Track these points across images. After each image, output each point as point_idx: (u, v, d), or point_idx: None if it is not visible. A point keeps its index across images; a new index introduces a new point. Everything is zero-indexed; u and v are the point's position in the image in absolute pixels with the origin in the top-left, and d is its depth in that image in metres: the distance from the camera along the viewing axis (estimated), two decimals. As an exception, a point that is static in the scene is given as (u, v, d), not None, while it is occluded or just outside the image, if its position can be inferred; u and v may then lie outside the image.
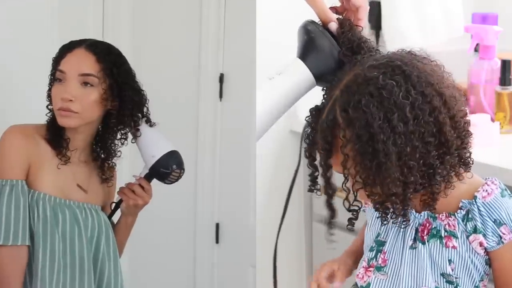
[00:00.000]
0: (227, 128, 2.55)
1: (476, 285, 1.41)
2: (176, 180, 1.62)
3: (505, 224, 1.37)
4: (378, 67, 1.31)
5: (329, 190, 1.38)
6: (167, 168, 1.60)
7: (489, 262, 1.41)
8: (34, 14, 2.15)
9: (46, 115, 1.64)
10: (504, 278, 1.41)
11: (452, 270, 1.39)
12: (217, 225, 2.60)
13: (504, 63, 2.15)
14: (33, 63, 2.13)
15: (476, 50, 2.25)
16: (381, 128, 1.27)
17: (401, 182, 1.29)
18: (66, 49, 1.62)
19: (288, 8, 2.34)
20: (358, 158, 1.29)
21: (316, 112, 1.40)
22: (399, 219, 1.35)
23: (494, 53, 2.21)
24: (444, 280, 1.39)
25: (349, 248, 1.62)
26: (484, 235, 1.37)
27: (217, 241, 2.60)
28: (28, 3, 2.13)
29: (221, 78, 2.54)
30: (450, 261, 1.39)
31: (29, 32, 2.12)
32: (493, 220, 1.37)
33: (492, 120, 2.14)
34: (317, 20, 1.45)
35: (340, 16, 1.45)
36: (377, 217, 1.41)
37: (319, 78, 1.43)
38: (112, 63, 1.60)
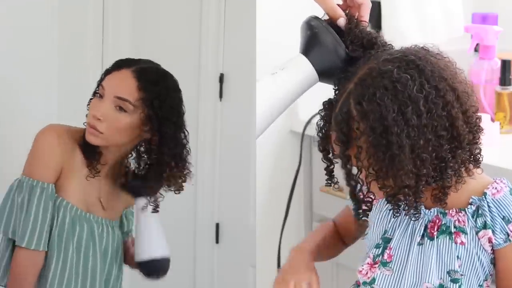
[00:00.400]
0: (227, 128, 2.55)
1: (480, 284, 1.41)
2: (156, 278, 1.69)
3: None
4: (393, 61, 1.33)
5: (352, 181, 1.37)
6: (149, 274, 1.67)
7: (494, 262, 1.42)
8: (34, 14, 2.15)
9: (83, 124, 1.58)
10: (508, 279, 1.41)
11: (459, 266, 1.39)
12: (217, 225, 2.60)
13: (504, 63, 2.15)
14: (33, 63, 2.13)
15: (476, 50, 2.25)
16: (395, 121, 1.28)
17: (414, 174, 1.30)
18: (116, 66, 1.57)
19: (288, 8, 2.35)
20: (371, 150, 1.30)
21: (329, 105, 1.41)
22: (411, 211, 1.36)
23: (494, 53, 2.21)
24: (449, 278, 1.39)
25: (308, 247, 1.57)
26: (493, 232, 1.38)
27: (217, 241, 2.60)
28: (28, 3, 2.13)
29: (221, 78, 2.54)
30: (458, 257, 1.39)
31: (29, 32, 2.13)
32: (502, 217, 1.38)
33: (492, 120, 2.14)
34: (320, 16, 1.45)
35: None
36: (389, 209, 1.41)
37: (322, 74, 1.43)
38: (155, 94, 1.53)
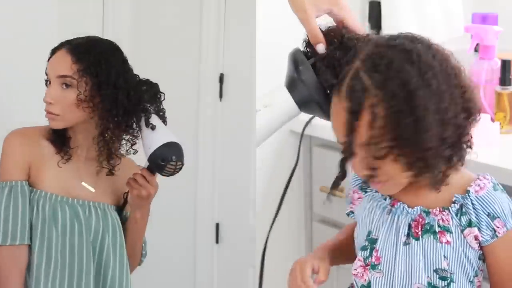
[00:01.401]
0: (227, 128, 2.55)
1: (471, 280, 1.42)
2: (173, 173, 1.58)
3: (498, 217, 1.38)
4: (398, 37, 1.35)
5: (348, 153, 1.35)
6: (163, 160, 1.56)
7: (482, 258, 1.42)
8: (33, 14, 2.15)
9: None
10: (498, 274, 1.42)
11: (448, 265, 1.39)
12: (217, 225, 2.60)
13: (504, 63, 2.15)
14: (33, 63, 2.13)
15: (476, 50, 2.25)
16: (418, 85, 1.28)
17: (437, 137, 1.30)
18: (52, 51, 1.63)
19: (288, 8, 2.34)
20: (392, 117, 1.29)
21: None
22: (430, 178, 1.36)
23: (494, 53, 2.21)
24: (437, 276, 1.40)
25: (327, 244, 1.59)
26: (479, 229, 1.38)
27: (217, 241, 2.60)
28: (28, 3, 2.13)
29: (221, 78, 2.54)
30: (444, 257, 1.39)
31: (28, 32, 2.12)
32: (487, 213, 1.38)
33: (492, 120, 2.14)
34: None
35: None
36: (372, 207, 1.44)
37: (303, 107, 1.47)
38: (91, 63, 1.58)
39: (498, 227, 1.38)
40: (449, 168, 1.36)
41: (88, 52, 1.60)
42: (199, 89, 2.56)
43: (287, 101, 1.46)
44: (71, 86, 1.57)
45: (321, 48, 1.44)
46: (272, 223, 2.28)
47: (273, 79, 2.43)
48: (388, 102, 1.28)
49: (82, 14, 2.39)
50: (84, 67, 1.57)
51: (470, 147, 1.38)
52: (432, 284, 1.40)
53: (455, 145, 1.34)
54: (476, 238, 1.39)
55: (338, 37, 1.43)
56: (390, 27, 2.44)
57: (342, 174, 1.39)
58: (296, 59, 1.45)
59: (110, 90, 1.58)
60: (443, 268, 1.39)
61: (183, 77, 2.56)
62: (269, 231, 2.23)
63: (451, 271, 1.39)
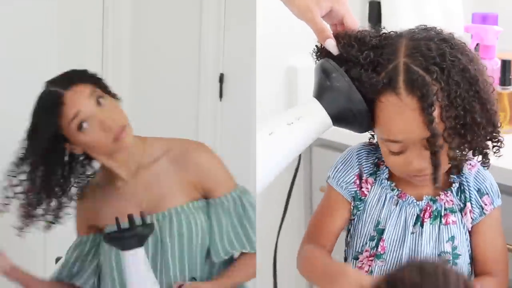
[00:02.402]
0: (227, 128, 2.55)
1: (469, 262, 1.45)
2: None
3: (487, 194, 1.43)
4: (426, 30, 1.37)
5: (438, 146, 1.32)
6: None
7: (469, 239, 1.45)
8: (33, 14, 2.15)
9: None
10: (482, 255, 1.44)
11: (456, 247, 1.42)
12: (217, 225, 2.60)
13: (504, 63, 2.15)
14: (33, 63, 2.13)
15: (476, 50, 2.25)
16: (475, 71, 1.33)
17: (494, 113, 1.37)
18: (57, 99, 1.57)
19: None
20: (462, 104, 1.31)
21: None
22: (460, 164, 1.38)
23: (494, 53, 2.21)
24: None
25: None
26: (471, 205, 1.43)
27: (217, 241, 2.60)
28: (27, 3, 2.13)
29: (221, 78, 2.54)
30: (453, 237, 1.42)
31: (28, 32, 2.13)
32: (477, 189, 1.42)
33: (492, 120, 2.14)
34: None
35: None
36: (382, 199, 1.43)
37: (337, 118, 1.40)
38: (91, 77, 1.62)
39: (486, 205, 1.42)
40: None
41: (74, 74, 1.60)
42: (199, 89, 2.56)
43: (320, 113, 1.39)
44: (103, 97, 1.56)
45: (330, 44, 1.40)
46: (280, 226, 2.28)
47: (273, 79, 2.44)
48: (454, 91, 1.30)
49: (82, 14, 2.39)
50: (86, 81, 1.58)
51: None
52: None
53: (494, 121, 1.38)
54: (470, 212, 1.43)
55: (347, 39, 1.40)
56: (390, 27, 2.44)
57: (436, 167, 1.35)
58: (326, 67, 1.38)
59: None
60: (446, 251, 1.42)
61: (183, 77, 2.56)
62: (278, 235, 2.23)
63: (459, 252, 1.42)
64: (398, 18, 2.43)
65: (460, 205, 1.43)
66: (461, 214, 1.43)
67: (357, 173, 1.50)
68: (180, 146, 1.64)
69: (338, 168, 1.51)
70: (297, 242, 2.48)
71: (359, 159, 1.50)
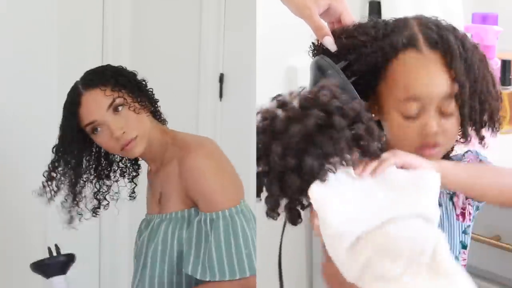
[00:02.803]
0: (227, 128, 2.55)
1: (457, 255, 1.45)
2: None
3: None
4: (428, 17, 1.44)
5: (467, 96, 1.36)
6: None
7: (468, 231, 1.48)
8: (33, 13, 2.15)
9: None
10: None
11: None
12: (217, 225, 2.60)
13: (504, 63, 2.15)
14: (33, 64, 2.13)
15: (476, 50, 2.25)
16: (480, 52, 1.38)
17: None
18: (72, 102, 1.64)
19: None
20: (474, 67, 1.34)
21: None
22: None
23: (494, 53, 2.21)
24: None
25: None
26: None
27: (217, 241, 2.60)
28: (27, 3, 2.13)
29: (221, 78, 2.54)
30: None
31: (28, 32, 2.12)
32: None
33: (492, 120, 2.14)
34: None
35: None
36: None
37: None
38: (112, 81, 1.63)
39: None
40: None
41: (103, 75, 1.63)
42: (199, 89, 2.56)
43: None
44: (122, 105, 1.59)
45: (328, 41, 1.40)
46: (284, 227, 2.29)
47: (273, 79, 2.44)
48: (470, 58, 1.33)
49: (82, 15, 2.39)
50: (112, 85, 1.60)
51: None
52: None
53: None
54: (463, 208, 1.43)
55: (348, 31, 1.41)
56: (390, 27, 2.44)
57: (464, 121, 1.37)
58: (321, 64, 1.37)
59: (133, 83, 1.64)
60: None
61: (183, 77, 2.56)
62: (282, 235, 2.24)
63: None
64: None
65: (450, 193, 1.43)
66: (452, 202, 1.43)
67: None
68: (190, 145, 1.64)
69: None
70: (297, 242, 2.48)
71: None
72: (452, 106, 1.32)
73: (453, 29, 1.37)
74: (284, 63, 2.42)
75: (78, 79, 1.63)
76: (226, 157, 1.67)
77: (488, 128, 1.40)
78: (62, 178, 1.65)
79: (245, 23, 2.36)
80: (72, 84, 1.62)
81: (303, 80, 2.08)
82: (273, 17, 2.33)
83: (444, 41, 1.32)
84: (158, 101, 1.70)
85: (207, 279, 1.54)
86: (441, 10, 2.46)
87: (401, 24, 1.39)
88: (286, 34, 2.34)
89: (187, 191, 1.58)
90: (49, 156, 1.65)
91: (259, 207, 2.36)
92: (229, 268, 1.54)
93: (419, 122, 1.33)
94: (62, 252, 1.77)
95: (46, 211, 2.07)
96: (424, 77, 1.32)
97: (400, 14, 2.45)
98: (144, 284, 1.64)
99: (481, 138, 1.42)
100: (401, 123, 1.34)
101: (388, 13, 2.46)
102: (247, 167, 2.49)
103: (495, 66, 2.19)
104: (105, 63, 2.29)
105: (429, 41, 1.33)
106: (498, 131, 1.42)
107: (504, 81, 2.15)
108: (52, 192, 1.65)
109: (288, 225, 2.40)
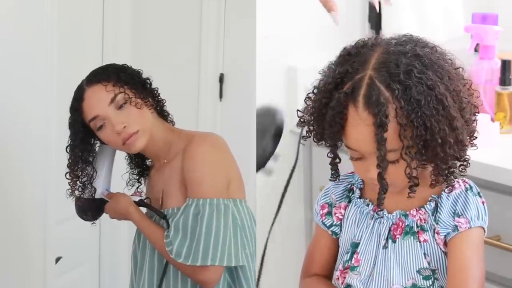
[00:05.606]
0: (227, 128, 2.55)
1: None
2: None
3: (463, 215, 1.39)
4: (405, 41, 1.35)
5: (385, 165, 1.33)
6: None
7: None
8: (33, 13, 2.15)
9: None
10: (452, 269, 1.39)
11: (428, 263, 1.41)
12: (217, 225, 2.60)
13: (504, 63, 2.15)
14: (33, 63, 2.13)
15: (476, 50, 2.25)
16: (446, 89, 1.31)
17: (464, 130, 1.34)
18: (77, 99, 1.66)
19: (288, 8, 2.35)
20: (424, 122, 1.29)
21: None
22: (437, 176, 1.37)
23: (494, 53, 2.21)
24: (421, 276, 1.41)
25: None
26: (440, 224, 1.39)
27: (217, 241, 2.60)
28: (27, 3, 2.12)
29: (221, 78, 2.54)
30: (425, 254, 1.41)
31: (28, 31, 2.12)
32: (453, 211, 1.39)
33: (492, 120, 2.14)
34: None
35: None
36: (360, 213, 1.44)
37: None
38: (115, 77, 1.66)
39: (461, 223, 1.38)
40: (454, 166, 1.37)
41: (106, 71, 1.65)
42: (199, 89, 2.56)
43: None
44: (124, 101, 1.61)
45: (334, 16, 1.46)
46: (272, 224, 2.29)
47: (273, 79, 2.44)
48: (415, 111, 1.29)
49: (82, 15, 2.39)
50: (114, 81, 1.62)
51: (474, 145, 1.39)
52: (418, 285, 1.41)
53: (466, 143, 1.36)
54: (437, 233, 1.40)
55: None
56: (390, 27, 2.44)
57: (384, 188, 1.35)
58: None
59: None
60: (425, 267, 1.40)
61: (183, 77, 2.56)
62: (270, 231, 2.23)
63: (434, 267, 1.40)
64: (398, 18, 2.44)
65: (433, 224, 1.40)
66: (433, 233, 1.41)
67: (326, 205, 1.53)
68: (194, 137, 1.67)
69: (316, 202, 1.56)
70: (297, 241, 2.48)
71: (326, 195, 1.54)
72: (392, 155, 1.32)
73: (409, 72, 1.30)
74: (284, 63, 2.42)
75: (78, 79, 1.64)
76: (231, 155, 1.70)
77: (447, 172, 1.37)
78: (82, 174, 1.67)
79: (245, 23, 2.36)
80: (72, 84, 1.63)
81: (303, 80, 2.08)
82: (273, 17, 2.34)
83: (378, 103, 1.29)
84: (164, 101, 1.71)
85: (179, 261, 1.58)
86: (441, 10, 2.46)
87: (362, 59, 1.35)
88: (286, 34, 2.34)
89: (185, 180, 1.62)
90: (49, 156, 1.65)
91: (259, 207, 2.35)
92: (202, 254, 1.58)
93: (363, 165, 1.37)
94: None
95: (46, 211, 2.08)
96: (355, 135, 1.34)
97: (400, 14, 2.46)
98: (144, 283, 1.64)
99: (455, 188, 1.41)
100: (352, 159, 1.39)
101: (388, 13, 2.46)
102: (247, 167, 2.49)
103: (495, 66, 2.19)
104: (105, 63, 2.29)
105: (366, 98, 1.31)
106: (465, 167, 1.39)
107: (504, 81, 2.15)
108: (80, 189, 1.68)
109: (288, 226, 2.40)
